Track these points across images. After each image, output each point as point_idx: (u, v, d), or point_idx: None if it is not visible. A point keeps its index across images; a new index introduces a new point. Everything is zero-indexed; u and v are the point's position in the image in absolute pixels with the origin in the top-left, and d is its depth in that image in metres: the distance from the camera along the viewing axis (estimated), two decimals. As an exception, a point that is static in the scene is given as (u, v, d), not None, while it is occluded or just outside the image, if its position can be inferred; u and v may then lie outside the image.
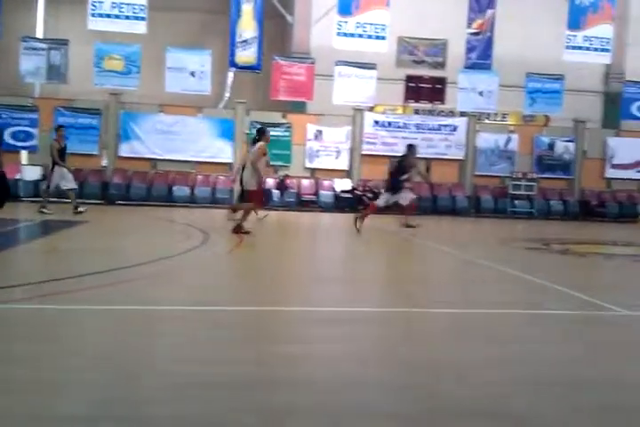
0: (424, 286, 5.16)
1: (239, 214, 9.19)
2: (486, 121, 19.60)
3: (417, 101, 19.65)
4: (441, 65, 20.16)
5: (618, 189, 19.28)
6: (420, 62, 20.41)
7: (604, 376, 2.69)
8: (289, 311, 3.89)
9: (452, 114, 19.50)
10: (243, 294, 4.52)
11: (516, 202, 18.41)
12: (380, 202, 10.68)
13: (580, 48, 19.30)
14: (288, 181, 17.77)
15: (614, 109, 19.92)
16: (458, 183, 19.10)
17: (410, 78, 19.57)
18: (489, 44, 19.15)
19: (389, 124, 19.11)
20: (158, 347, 2.97)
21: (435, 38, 20.08)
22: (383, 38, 18.62)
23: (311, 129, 18.47)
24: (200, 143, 17.70)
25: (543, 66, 19.04)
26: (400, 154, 12.24)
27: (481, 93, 18.85)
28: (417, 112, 19.90)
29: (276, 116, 18.24)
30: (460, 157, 19.01)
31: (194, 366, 2.59)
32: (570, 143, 19.17)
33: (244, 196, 9.61)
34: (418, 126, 19.19)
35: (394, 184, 10.68)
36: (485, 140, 19.15)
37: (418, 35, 20.03)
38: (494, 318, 3.92)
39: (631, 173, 19.32)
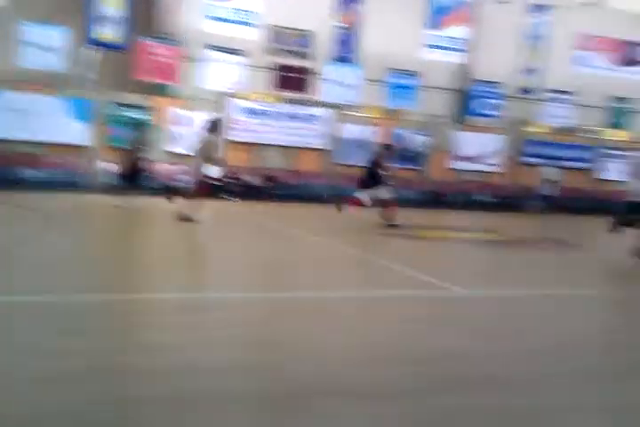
0: (276, 271, 5.23)
1: None
2: (350, 113, 20.38)
3: (285, 90, 19.94)
4: (309, 56, 20.54)
5: (462, 179, 21.06)
6: (289, 52, 20.65)
7: (440, 350, 2.95)
8: (140, 299, 3.76)
9: (318, 104, 20.05)
10: (89, 282, 4.26)
11: (376, 190, 19.47)
12: (366, 198, 10.89)
13: (436, 47, 20.60)
14: (149, 166, 17.33)
15: (464, 106, 21.59)
16: (321, 172, 19.79)
17: (279, 67, 19.82)
18: (355, 37, 19.89)
19: (257, 111, 19.28)
20: (7, 341, 2.80)
21: (304, 29, 20.40)
22: (253, 25, 18.73)
23: (176, 113, 18.17)
24: (54, 124, 16.68)
25: (405, 62, 20.05)
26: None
27: (346, 86, 19.55)
28: (286, 101, 20.24)
29: (138, 98, 17.68)
30: (325, 147, 19.68)
31: (49, 359, 2.47)
32: (423, 137, 20.58)
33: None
34: (285, 115, 19.56)
35: (375, 178, 10.91)
36: (349, 131, 19.97)
37: (288, 24, 20.21)
38: (344, 300, 4.10)
39: (474, 166, 21.23)
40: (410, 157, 20.46)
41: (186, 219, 8.97)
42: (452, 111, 21.98)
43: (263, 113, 19.34)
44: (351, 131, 19.97)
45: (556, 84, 21.35)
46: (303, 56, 20.53)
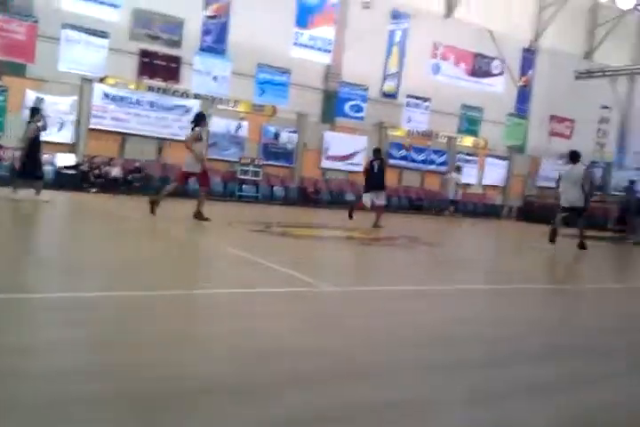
0: (148, 270, 5.04)
1: None
2: (219, 106, 20.10)
3: (151, 78, 19.13)
4: (177, 44, 19.85)
5: (331, 178, 21.70)
6: (155, 38, 19.76)
7: (306, 346, 2.95)
8: None
9: (186, 95, 19.51)
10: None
11: (244, 186, 19.40)
12: (368, 202, 11.82)
13: (305, 46, 20.91)
14: (1, 153, 15.82)
15: (331, 106, 22.25)
16: (190, 165, 19.28)
17: (144, 53, 18.96)
18: (224, 29, 19.61)
19: (121, 98, 18.31)
20: None
21: (171, 15, 19.65)
22: (116, 6, 17.76)
23: (31, 95, 16.68)
24: None
25: (274, 58, 20.17)
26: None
27: (215, 78, 19.24)
28: (151, 89, 19.37)
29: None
30: (193, 139, 19.20)
31: None
32: (293, 134, 20.86)
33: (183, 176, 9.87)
34: (151, 104, 18.79)
35: (379, 184, 11.82)
36: (218, 124, 19.66)
37: (155, 9, 19.32)
38: (214, 297, 3.97)
39: (342, 165, 21.96)
40: (280, 153, 20.67)
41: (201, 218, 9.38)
42: (322, 111, 22.56)
43: (129, 100, 18.39)
44: (221, 125, 19.68)
45: (415, 91, 22.72)
46: (171, 44, 19.81)
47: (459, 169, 20.47)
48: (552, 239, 9.78)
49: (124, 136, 18.37)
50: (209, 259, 6.09)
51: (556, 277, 7.62)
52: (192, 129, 9.71)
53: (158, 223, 8.86)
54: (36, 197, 10.48)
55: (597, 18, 30.26)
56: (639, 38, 32.20)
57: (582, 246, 9.79)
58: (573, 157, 10.14)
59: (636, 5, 31.13)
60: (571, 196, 9.87)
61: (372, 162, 12.20)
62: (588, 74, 25.60)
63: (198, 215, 9.47)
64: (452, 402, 2.37)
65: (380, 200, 11.87)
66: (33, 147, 10.66)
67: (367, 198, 11.90)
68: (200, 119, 9.73)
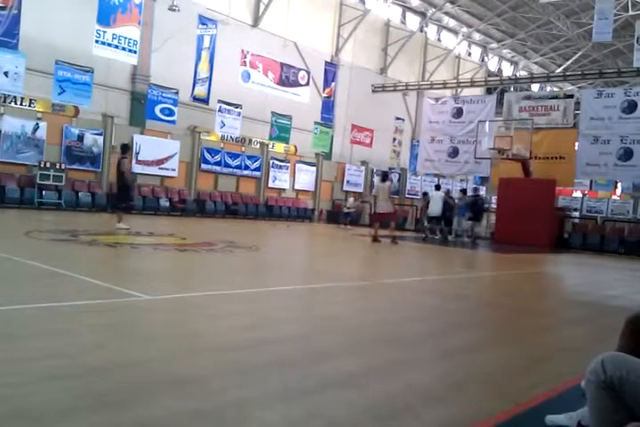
0: None
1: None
2: (13, 104, 18.24)
3: None
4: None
5: (143, 183, 20.86)
6: None
7: (119, 361, 2.89)
8: None
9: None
10: None
11: (44, 192, 17.82)
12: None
13: (109, 45, 19.80)
14: None
15: (141, 109, 21.39)
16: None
17: None
18: (16, 21, 17.84)
19: None
20: None
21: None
22: None
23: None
24: None
25: (75, 56, 18.89)
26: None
27: (6, 74, 17.44)
28: None
29: None
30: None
31: None
32: (99, 137, 19.68)
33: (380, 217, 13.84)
34: None
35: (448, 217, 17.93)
36: (11, 124, 17.85)
37: None
38: (16, 315, 3.73)
39: (154, 170, 21.22)
40: (85, 157, 19.37)
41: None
42: (130, 113, 21.58)
43: None
44: (15, 125, 17.88)
45: (226, 97, 22.84)
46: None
47: None
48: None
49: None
50: (5, 272, 5.52)
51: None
52: (382, 180, 13.85)
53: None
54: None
55: (389, 37, 33.23)
56: (425, 57, 36.07)
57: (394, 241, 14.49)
58: (437, 186, 19.38)
59: (421, 27, 34.85)
60: (435, 209, 17.11)
61: (424, 194, 19.07)
62: (383, 88, 27.97)
63: (394, 240, 13.52)
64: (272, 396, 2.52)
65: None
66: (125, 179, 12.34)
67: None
68: (387, 176, 14.35)
